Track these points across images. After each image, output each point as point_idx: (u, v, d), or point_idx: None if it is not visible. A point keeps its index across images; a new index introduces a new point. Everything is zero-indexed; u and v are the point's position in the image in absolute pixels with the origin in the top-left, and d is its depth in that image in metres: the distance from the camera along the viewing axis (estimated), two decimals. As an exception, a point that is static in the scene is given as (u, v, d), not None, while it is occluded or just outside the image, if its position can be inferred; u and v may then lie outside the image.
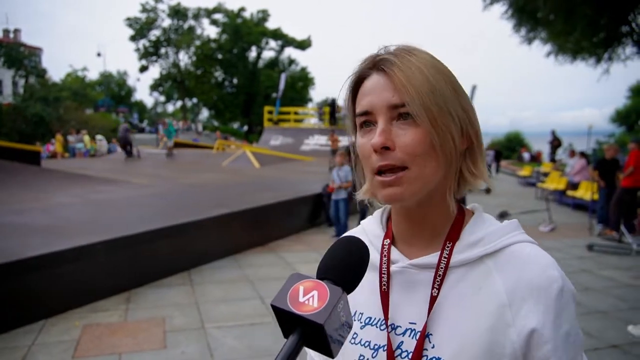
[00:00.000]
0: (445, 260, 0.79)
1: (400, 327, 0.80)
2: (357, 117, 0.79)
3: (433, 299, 0.78)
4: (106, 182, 10.45)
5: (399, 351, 0.79)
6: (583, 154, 14.15)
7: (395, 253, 0.85)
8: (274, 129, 25.46)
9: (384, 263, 0.84)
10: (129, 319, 4.65)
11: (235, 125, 57.94)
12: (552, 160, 22.12)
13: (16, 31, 43.43)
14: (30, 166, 11.34)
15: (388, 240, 0.87)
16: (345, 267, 0.67)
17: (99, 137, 26.82)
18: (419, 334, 0.78)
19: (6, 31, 42.63)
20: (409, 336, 0.79)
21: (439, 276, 0.78)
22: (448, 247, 0.80)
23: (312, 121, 29.43)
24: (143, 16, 49.95)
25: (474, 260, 0.79)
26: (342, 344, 0.62)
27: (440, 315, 0.77)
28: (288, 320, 0.61)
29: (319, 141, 22.10)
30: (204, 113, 62.09)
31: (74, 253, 4.80)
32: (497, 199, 13.84)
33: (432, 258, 0.80)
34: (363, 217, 9.15)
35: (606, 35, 16.96)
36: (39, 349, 3.97)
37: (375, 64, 0.78)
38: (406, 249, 0.85)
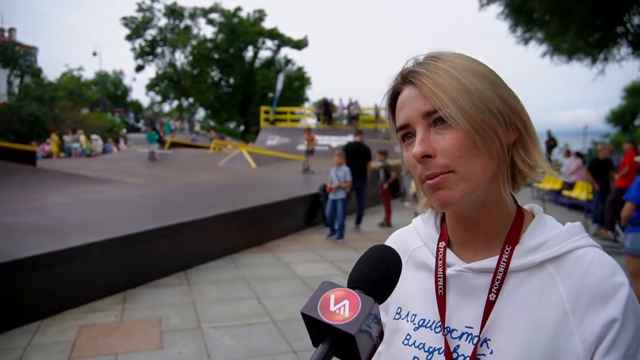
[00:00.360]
0: (504, 264, 0.77)
1: (457, 330, 0.79)
2: (397, 131, 0.80)
3: (490, 304, 0.76)
4: (102, 182, 10.42)
5: (455, 355, 0.78)
6: (579, 154, 14.20)
7: (450, 256, 0.84)
8: (271, 128, 25.45)
9: (440, 266, 0.83)
10: (125, 319, 4.64)
11: (232, 125, 57.85)
12: (548, 160, 22.14)
13: (11, 30, 43.23)
14: (26, 166, 11.30)
15: (444, 243, 0.86)
16: (377, 277, 0.66)
17: (94, 136, 26.73)
18: (476, 338, 0.76)
19: (1, 30, 42.40)
20: (466, 340, 0.78)
21: (497, 281, 0.77)
22: (507, 250, 0.78)
23: (309, 121, 29.39)
24: (139, 15, 49.78)
25: (535, 265, 0.77)
26: (372, 355, 0.61)
27: (498, 321, 0.75)
28: (318, 329, 0.60)
29: (317, 141, 22.10)
30: (200, 113, 61.97)
31: (69, 253, 4.78)
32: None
33: (490, 262, 0.78)
34: (360, 218, 9.18)
35: (601, 36, 17.03)
36: (34, 349, 3.95)
37: (404, 78, 0.78)
38: (462, 252, 0.84)
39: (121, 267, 5.42)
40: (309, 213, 9.29)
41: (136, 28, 49.99)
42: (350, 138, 19.29)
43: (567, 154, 16.66)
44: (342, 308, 0.60)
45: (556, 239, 0.77)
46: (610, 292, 0.71)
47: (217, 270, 6.34)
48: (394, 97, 0.81)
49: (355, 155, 8.58)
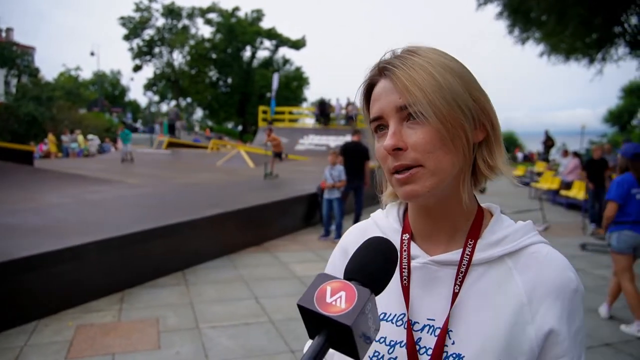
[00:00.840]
0: (468, 257, 0.80)
1: (418, 323, 0.80)
2: (371, 123, 0.81)
3: (455, 295, 0.78)
4: (100, 182, 10.40)
5: (417, 347, 0.79)
6: (576, 154, 14.22)
7: (415, 248, 0.85)
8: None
9: (404, 258, 0.84)
10: (122, 319, 4.63)
11: (230, 125, 57.83)
12: (546, 160, 22.24)
13: (8, 30, 43.10)
14: (23, 166, 11.28)
15: (407, 235, 0.87)
16: (373, 269, 0.67)
17: (90, 136, 26.69)
18: (438, 330, 0.78)
19: (-2, 30, 42.31)
20: (428, 332, 0.79)
21: (462, 273, 0.79)
22: (470, 244, 0.81)
23: (307, 121, 29.38)
24: (137, 15, 49.68)
25: (495, 259, 0.80)
26: (369, 346, 0.61)
27: (460, 312, 0.78)
28: (314, 321, 0.60)
29: (313, 141, 22.11)
30: (198, 113, 61.94)
31: (67, 253, 4.77)
32: (491, 198, 13.76)
33: (454, 255, 0.81)
34: (358, 217, 9.17)
35: (599, 36, 17.07)
36: (31, 349, 3.94)
37: (381, 70, 0.79)
38: (425, 245, 0.85)
39: (119, 267, 5.41)
40: (307, 213, 9.29)
41: (134, 28, 49.89)
42: (348, 138, 19.34)
43: (565, 153, 16.68)
44: (338, 299, 0.60)
45: (514, 235, 0.81)
46: (563, 286, 0.77)
47: (215, 270, 6.33)
48: (369, 88, 0.83)
49: (353, 155, 8.58)
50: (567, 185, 13.18)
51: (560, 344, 0.75)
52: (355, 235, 0.97)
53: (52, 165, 14.26)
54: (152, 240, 5.78)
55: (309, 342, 0.96)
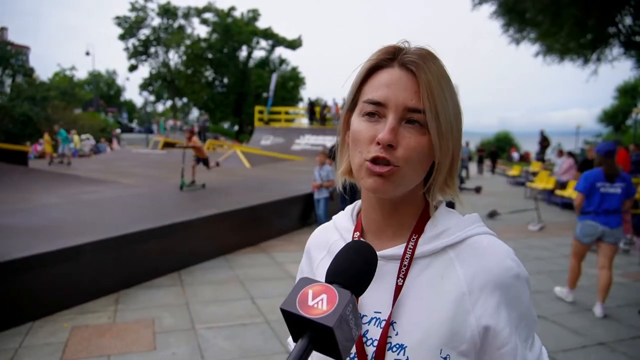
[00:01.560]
0: (411, 251, 0.82)
1: (366, 316, 0.83)
2: (364, 103, 0.80)
3: (398, 289, 0.81)
4: (94, 183, 10.36)
5: (364, 339, 0.81)
6: (571, 154, 14.28)
7: None
8: (265, 128, 25.39)
9: None
10: (118, 320, 4.62)
11: (226, 125, 57.71)
12: (541, 160, 22.31)
13: (2, 29, 42.88)
14: (18, 166, 11.22)
15: (358, 233, 0.90)
16: (353, 271, 0.69)
17: (83, 136, 26.61)
18: (384, 322, 0.80)
19: (-7, 29, 42.11)
20: (374, 325, 0.81)
21: (404, 267, 0.82)
22: (413, 239, 0.84)
23: (303, 121, 29.35)
24: (132, 15, 49.52)
25: (437, 251, 0.82)
26: (351, 347, 0.62)
27: (404, 304, 0.80)
28: (297, 324, 0.62)
29: (309, 141, 22.09)
30: (195, 113, 61.79)
31: (62, 254, 4.75)
32: (487, 199, 13.92)
33: (398, 250, 0.83)
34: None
35: (594, 36, 17.13)
36: (26, 351, 3.92)
37: (400, 59, 0.79)
38: (374, 241, 0.87)
39: (114, 268, 5.39)
40: (303, 213, 9.28)
41: (129, 27, 49.74)
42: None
43: (560, 153, 16.74)
44: (320, 302, 0.61)
45: (456, 227, 0.84)
46: (501, 274, 0.78)
47: (211, 270, 6.32)
48: (372, 68, 0.82)
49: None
50: (562, 185, 13.22)
51: (500, 333, 0.76)
52: (316, 237, 1.02)
53: (47, 166, 14.21)
54: (148, 240, 5.76)
55: (290, 339, 0.98)
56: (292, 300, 0.62)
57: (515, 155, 34.05)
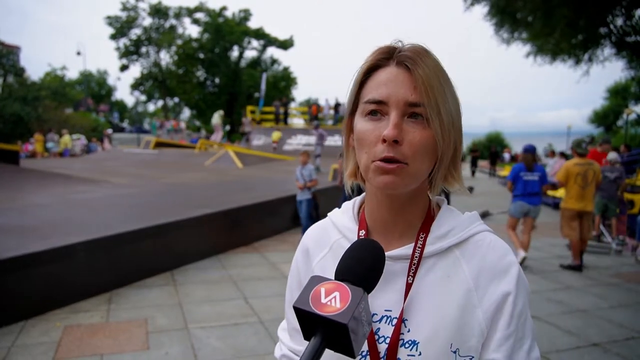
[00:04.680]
0: (420, 250, 0.85)
1: (377, 314, 0.84)
2: (366, 103, 0.81)
3: (409, 286, 0.83)
4: (86, 182, 10.30)
5: (376, 337, 0.83)
6: (562, 154, 14.36)
7: None
8: (257, 128, 25.34)
9: None
10: (110, 319, 4.59)
11: (218, 125, 57.46)
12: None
13: (-7, 29, 42.51)
14: (8, 165, 11.13)
15: (364, 232, 0.91)
16: (363, 268, 0.70)
17: (74, 136, 26.43)
18: (395, 320, 0.82)
19: (-18, 29, 41.65)
20: (385, 323, 0.83)
21: (414, 266, 0.84)
22: (421, 238, 0.86)
23: (296, 121, 29.31)
24: (124, 15, 49.29)
25: (444, 250, 0.85)
26: (363, 343, 0.63)
27: (414, 302, 0.82)
28: (310, 322, 0.62)
29: (302, 141, 22.07)
30: (186, 113, 61.54)
31: (54, 253, 4.72)
32: (479, 199, 13.99)
33: (407, 249, 0.85)
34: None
35: (585, 37, 17.24)
36: (18, 350, 3.89)
37: (396, 57, 0.80)
38: (380, 240, 0.87)
39: (106, 268, 5.36)
40: (296, 213, 9.26)
41: (120, 27, 49.50)
42: (337, 138, 19.36)
43: (551, 154, 16.84)
44: (333, 300, 0.62)
45: (460, 226, 0.87)
46: (504, 269, 0.83)
47: (204, 270, 6.31)
48: (370, 69, 0.83)
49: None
50: (554, 186, 13.30)
51: (507, 324, 0.80)
52: (315, 235, 1.01)
53: (38, 165, 14.10)
54: (141, 240, 5.74)
55: (283, 330, 1.01)
56: (304, 298, 0.63)
57: (506, 155, 34.24)
